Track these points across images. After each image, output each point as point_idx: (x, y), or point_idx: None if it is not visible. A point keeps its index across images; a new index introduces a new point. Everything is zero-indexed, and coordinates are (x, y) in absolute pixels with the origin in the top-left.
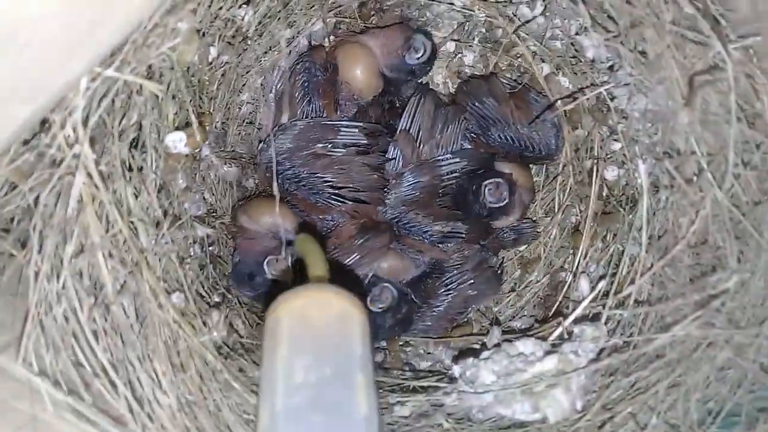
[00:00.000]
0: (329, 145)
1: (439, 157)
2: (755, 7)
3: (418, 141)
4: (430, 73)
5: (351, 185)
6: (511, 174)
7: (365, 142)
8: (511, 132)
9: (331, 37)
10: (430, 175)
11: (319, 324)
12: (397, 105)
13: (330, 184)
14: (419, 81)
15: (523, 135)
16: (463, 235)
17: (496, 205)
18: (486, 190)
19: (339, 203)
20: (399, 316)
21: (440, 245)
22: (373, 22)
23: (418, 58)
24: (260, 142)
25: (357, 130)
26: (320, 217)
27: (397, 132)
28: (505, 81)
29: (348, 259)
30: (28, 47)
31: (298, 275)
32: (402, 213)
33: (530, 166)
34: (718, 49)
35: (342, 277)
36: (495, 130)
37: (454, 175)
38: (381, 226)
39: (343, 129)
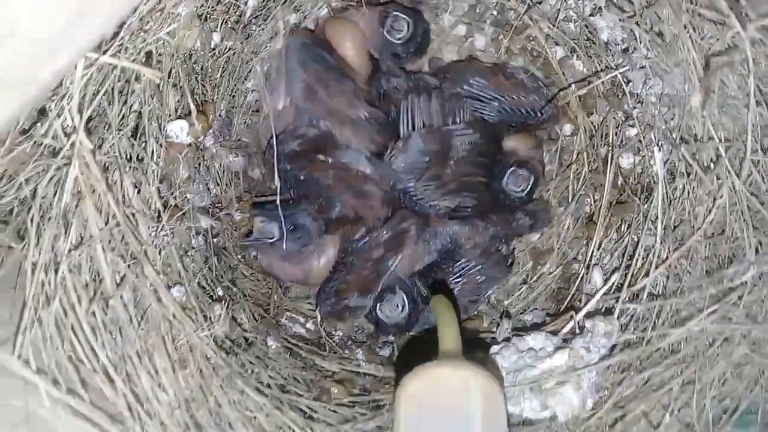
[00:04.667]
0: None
1: (451, 127)
2: None
3: None
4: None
5: (348, 192)
6: (527, 161)
7: (368, 171)
8: (509, 104)
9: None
10: (441, 144)
11: (434, 406)
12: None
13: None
14: (409, 74)
15: (523, 103)
16: (470, 210)
17: (520, 194)
18: (508, 180)
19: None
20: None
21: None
22: None
23: (399, 38)
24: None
25: (363, 156)
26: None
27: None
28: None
29: (375, 252)
30: (11, 38)
31: None
32: (410, 182)
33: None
34: (736, 29)
35: None
36: (493, 108)
37: (466, 147)
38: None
39: (350, 150)
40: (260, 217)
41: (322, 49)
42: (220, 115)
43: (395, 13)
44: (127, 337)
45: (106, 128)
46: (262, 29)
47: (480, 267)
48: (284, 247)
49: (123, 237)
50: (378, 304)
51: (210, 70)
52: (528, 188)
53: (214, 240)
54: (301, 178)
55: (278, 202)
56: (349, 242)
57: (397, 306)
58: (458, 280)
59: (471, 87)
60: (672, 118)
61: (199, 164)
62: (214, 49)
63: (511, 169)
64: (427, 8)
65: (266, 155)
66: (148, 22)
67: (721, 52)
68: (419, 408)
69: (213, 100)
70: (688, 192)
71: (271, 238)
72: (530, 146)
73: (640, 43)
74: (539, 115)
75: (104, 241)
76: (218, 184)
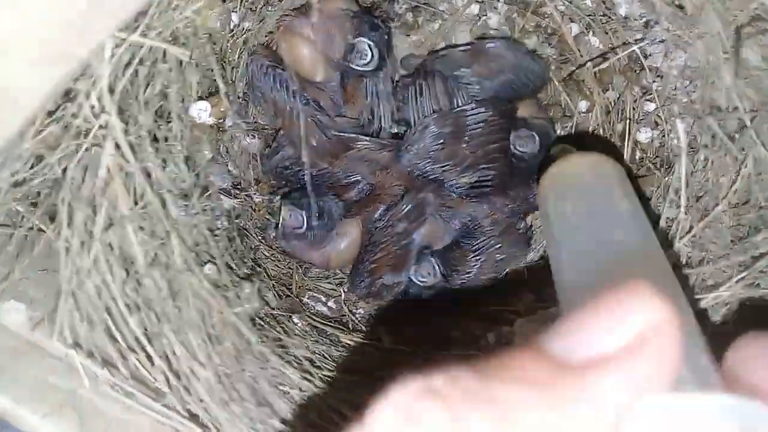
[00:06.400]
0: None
1: (464, 107)
2: None
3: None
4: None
5: (365, 167)
6: (531, 123)
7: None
8: (495, 85)
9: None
10: (454, 126)
11: (576, 176)
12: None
13: (339, 173)
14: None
15: (509, 78)
16: (490, 183)
17: (530, 154)
18: (516, 143)
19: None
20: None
21: (468, 198)
22: None
23: (365, 65)
24: (267, 146)
25: (372, 144)
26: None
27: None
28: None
29: (398, 227)
30: (48, 14)
31: None
32: (426, 166)
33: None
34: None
35: None
36: (484, 91)
37: (479, 125)
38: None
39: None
40: (288, 206)
41: (283, 68)
42: (238, 97)
43: (356, 39)
44: (162, 315)
45: (133, 108)
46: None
47: (500, 246)
48: (314, 234)
49: (153, 216)
50: (413, 269)
51: (229, 50)
52: (537, 149)
53: (237, 221)
54: (313, 174)
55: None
56: (371, 222)
57: (430, 272)
58: (477, 257)
59: (455, 78)
60: (694, 91)
61: (220, 146)
62: (232, 30)
63: (516, 132)
64: None
65: (264, 166)
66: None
67: (746, 23)
68: (560, 182)
69: (232, 81)
70: (712, 162)
71: (300, 227)
72: (533, 111)
73: (661, 16)
74: (531, 85)
75: (135, 221)
76: (237, 166)
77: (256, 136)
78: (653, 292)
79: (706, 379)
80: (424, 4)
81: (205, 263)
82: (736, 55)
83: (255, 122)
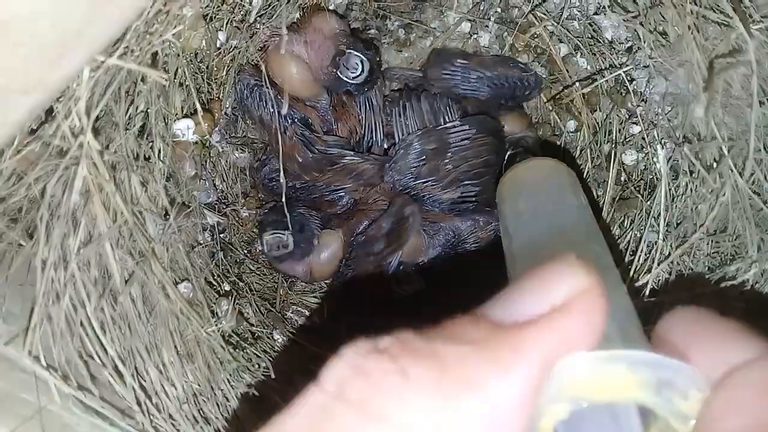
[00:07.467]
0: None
1: (447, 125)
2: None
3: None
4: None
5: (346, 183)
6: (519, 140)
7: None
8: (497, 78)
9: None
10: (438, 143)
11: (531, 178)
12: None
13: (324, 187)
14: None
15: (509, 74)
16: (474, 199)
17: None
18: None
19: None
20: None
21: (451, 214)
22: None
23: (354, 78)
24: (257, 160)
25: (357, 159)
26: (329, 211)
27: (400, 144)
28: None
29: (376, 246)
30: (20, 46)
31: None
32: (409, 182)
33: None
34: (740, 31)
35: None
36: (483, 83)
37: (463, 142)
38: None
39: (344, 159)
40: (268, 231)
41: (270, 87)
42: (225, 113)
43: (348, 51)
44: (136, 333)
45: (114, 128)
46: (267, 27)
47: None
48: (300, 247)
49: (131, 234)
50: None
51: (216, 68)
52: None
53: (221, 236)
54: (298, 186)
55: (286, 210)
56: (352, 235)
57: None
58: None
59: (456, 68)
60: (675, 117)
61: (206, 161)
62: (219, 48)
63: (507, 153)
64: (432, 5)
65: (256, 180)
66: (153, 24)
67: (725, 54)
68: (515, 183)
69: (219, 98)
70: (691, 189)
71: (286, 247)
72: (523, 126)
73: (644, 42)
74: (527, 83)
75: (112, 239)
76: (224, 181)
77: (246, 150)
78: (579, 263)
79: (631, 339)
80: (416, 21)
81: (182, 281)
82: (710, 86)
83: (244, 137)
